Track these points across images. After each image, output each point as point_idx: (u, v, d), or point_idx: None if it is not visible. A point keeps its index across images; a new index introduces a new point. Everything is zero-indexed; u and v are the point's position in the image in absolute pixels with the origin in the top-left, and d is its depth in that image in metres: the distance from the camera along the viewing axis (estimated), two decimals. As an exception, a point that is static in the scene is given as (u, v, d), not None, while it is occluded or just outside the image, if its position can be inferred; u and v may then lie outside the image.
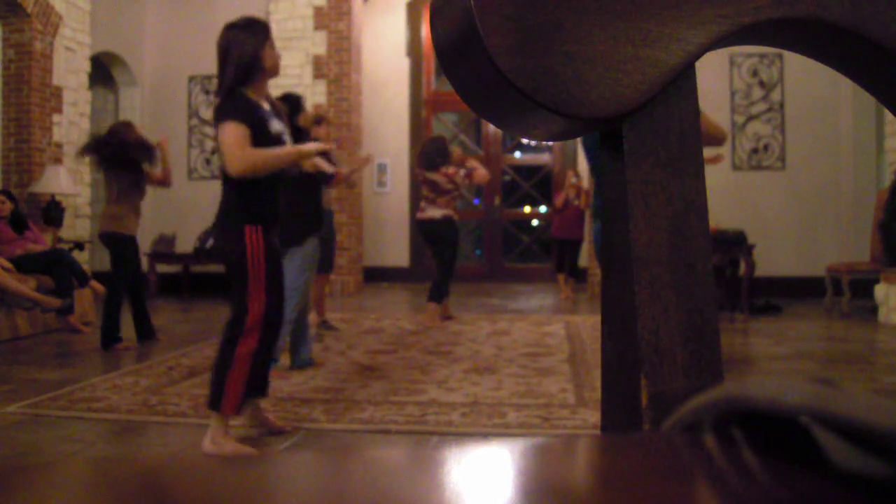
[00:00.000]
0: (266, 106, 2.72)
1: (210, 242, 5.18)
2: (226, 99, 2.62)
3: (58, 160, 6.49)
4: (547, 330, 5.67)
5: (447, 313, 6.13)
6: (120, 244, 4.77)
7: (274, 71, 2.71)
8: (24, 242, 5.52)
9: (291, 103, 4.15)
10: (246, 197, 2.61)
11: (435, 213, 5.94)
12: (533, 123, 0.36)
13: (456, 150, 6.15)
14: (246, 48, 2.61)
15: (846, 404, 0.19)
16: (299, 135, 4.09)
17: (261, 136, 2.60)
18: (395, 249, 9.79)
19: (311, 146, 2.81)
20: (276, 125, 2.71)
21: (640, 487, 0.20)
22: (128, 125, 4.99)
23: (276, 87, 8.98)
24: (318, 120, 4.90)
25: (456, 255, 6.08)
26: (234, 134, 2.55)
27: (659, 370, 0.33)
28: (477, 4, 0.32)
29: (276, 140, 2.67)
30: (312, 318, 5.04)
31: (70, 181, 6.36)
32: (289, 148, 2.71)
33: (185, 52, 8.86)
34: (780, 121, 8.28)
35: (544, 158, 10.50)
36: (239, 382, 2.54)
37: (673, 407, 0.28)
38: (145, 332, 4.99)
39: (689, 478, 0.22)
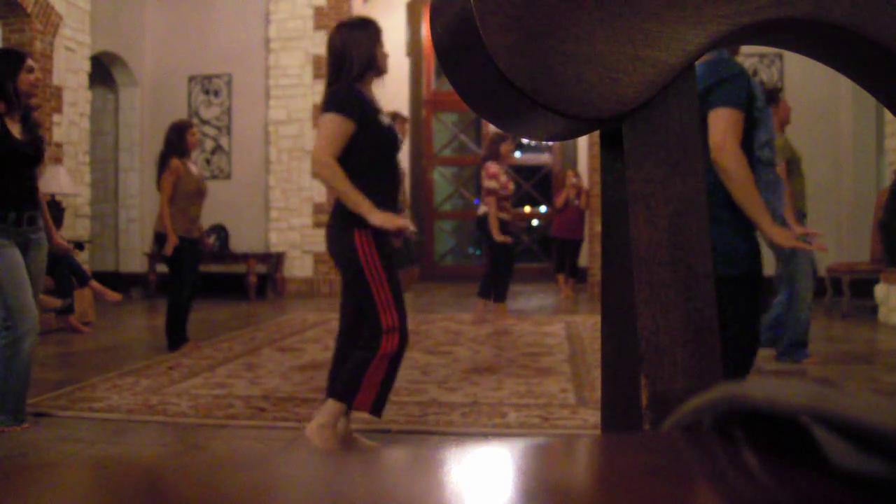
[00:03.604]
0: (374, 101, 2.66)
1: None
2: (339, 89, 2.55)
3: (58, 160, 6.49)
4: (547, 330, 5.67)
5: (480, 314, 6.01)
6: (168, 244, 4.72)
7: (384, 70, 2.67)
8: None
9: None
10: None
11: (480, 209, 5.96)
12: (533, 123, 0.36)
13: (507, 147, 5.85)
14: (363, 47, 2.58)
15: (846, 404, 0.19)
16: None
17: (372, 130, 2.54)
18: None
19: (389, 223, 2.49)
20: (386, 118, 2.65)
21: (640, 487, 0.20)
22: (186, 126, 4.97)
23: (276, 86, 9.01)
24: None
25: (500, 256, 5.87)
26: (331, 127, 2.48)
27: (659, 370, 0.33)
28: (477, 4, 0.32)
29: (388, 132, 2.60)
30: None
31: (70, 181, 6.36)
32: (368, 207, 2.45)
33: (185, 52, 8.86)
34: (780, 121, 8.28)
35: (544, 158, 10.50)
36: (377, 380, 2.49)
37: (673, 407, 0.28)
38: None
39: (689, 478, 0.22)
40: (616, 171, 0.38)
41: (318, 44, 8.46)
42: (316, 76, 8.48)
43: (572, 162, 9.73)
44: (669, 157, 0.35)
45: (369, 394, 2.49)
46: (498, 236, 5.71)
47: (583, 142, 9.16)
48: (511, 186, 5.97)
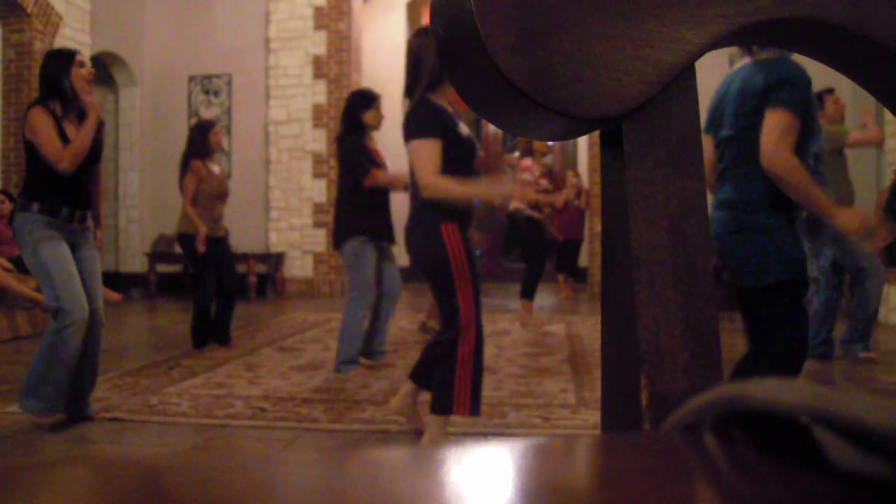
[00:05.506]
0: (451, 111, 2.67)
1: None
2: (416, 110, 2.57)
3: (58, 160, 6.49)
4: (547, 330, 5.66)
5: (528, 317, 5.83)
6: (193, 244, 4.67)
7: None
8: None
9: (365, 97, 4.06)
10: None
11: (512, 205, 5.90)
12: (533, 123, 0.36)
13: (539, 143, 5.86)
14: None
15: (846, 404, 0.19)
16: (361, 129, 3.99)
17: (454, 143, 2.56)
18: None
19: (509, 189, 2.60)
20: (464, 128, 2.65)
21: (640, 487, 0.20)
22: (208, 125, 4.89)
23: (276, 86, 8.99)
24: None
25: (533, 254, 5.83)
26: (423, 153, 2.51)
27: (659, 370, 0.33)
28: (477, 4, 0.32)
29: (468, 144, 2.63)
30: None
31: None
32: (482, 187, 2.60)
33: (185, 52, 8.86)
34: (780, 121, 8.28)
35: (544, 158, 10.48)
36: (466, 382, 2.51)
37: (673, 407, 0.28)
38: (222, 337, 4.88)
39: (689, 478, 0.22)
40: (616, 171, 0.38)
41: (318, 44, 8.46)
42: (316, 76, 8.47)
43: (572, 162, 9.73)
44: (669, 157, 0.35)
45: (464, 397, 2.52)
46: (529, 211, 5.67)
47: (583, 142, 9.16)
48: (544, 183, 5.91)
